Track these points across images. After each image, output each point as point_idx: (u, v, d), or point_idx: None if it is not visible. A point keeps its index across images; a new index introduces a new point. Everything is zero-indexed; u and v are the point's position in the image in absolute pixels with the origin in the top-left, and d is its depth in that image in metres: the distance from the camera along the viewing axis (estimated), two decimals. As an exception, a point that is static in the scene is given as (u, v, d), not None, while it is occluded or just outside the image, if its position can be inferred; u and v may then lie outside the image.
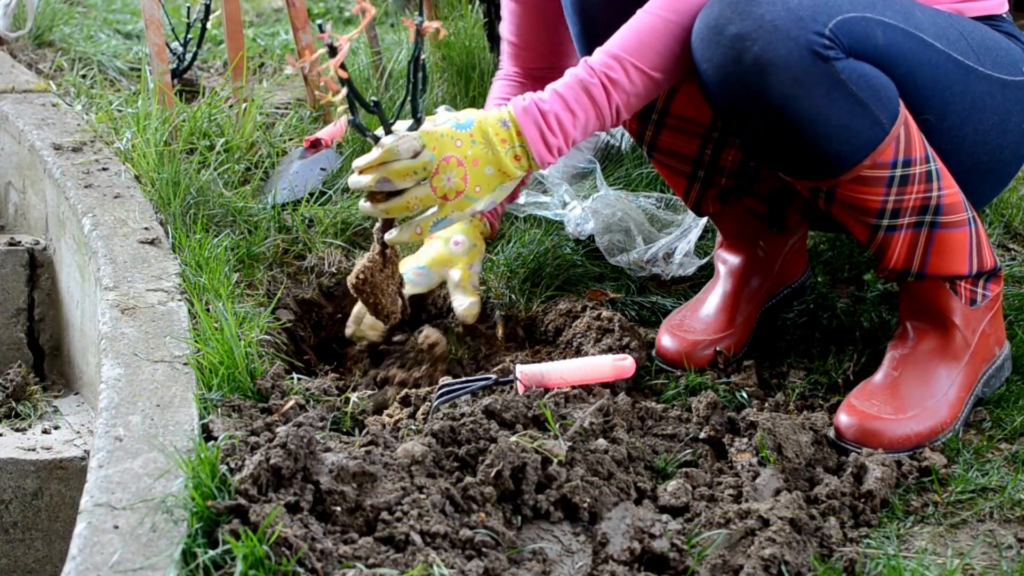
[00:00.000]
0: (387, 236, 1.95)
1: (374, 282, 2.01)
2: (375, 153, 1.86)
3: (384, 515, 1.64)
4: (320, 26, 1.74)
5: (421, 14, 1.79)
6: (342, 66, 1.74)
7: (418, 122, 1.87)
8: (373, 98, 1.81)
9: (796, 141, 1.88)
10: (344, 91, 1.79)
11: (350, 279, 2.04)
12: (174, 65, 3.26)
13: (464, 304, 2.23)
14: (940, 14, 1.99)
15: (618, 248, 2.55)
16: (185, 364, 1.98)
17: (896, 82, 1.89)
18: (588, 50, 2.15)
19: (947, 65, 1.95)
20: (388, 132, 1.87)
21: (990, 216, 2.77)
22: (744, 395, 2.11)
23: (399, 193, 1.88)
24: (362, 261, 2.02)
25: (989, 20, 2.07)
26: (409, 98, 1.87)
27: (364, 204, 1.92)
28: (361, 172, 1.89)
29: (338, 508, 1.65)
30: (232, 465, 1.70)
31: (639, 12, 1.94)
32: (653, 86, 1.94)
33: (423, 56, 1.83)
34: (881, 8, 1.90)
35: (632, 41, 1.92)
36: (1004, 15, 2.10)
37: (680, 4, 1.92)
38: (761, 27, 1.81)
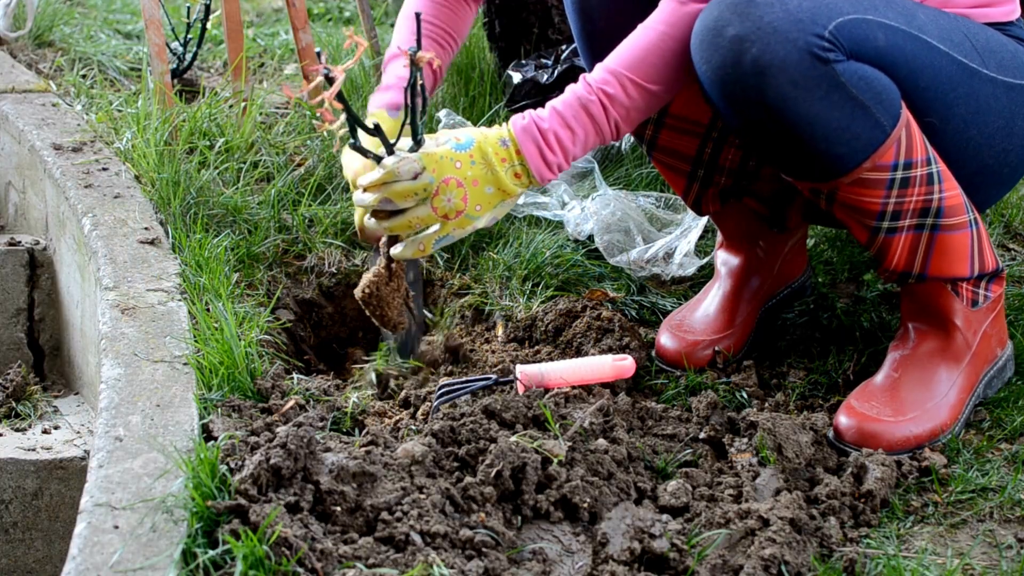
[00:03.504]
0: (392, 251, 1.98)
1: (380, 295, 2.05)
2: (377, 173, 1.88)
3: (384, 515, 1.64)
4: (318, 54, 1.78)
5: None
6: (339, 95, 1.76)
7: (418, 144, 1.90)
8: (373, 121, 1.83)
9: (795, 143, 1.88)
10: (341, 119, 1.82)
11: (357, 292, 2.07)
12: (174, 65, 3.26)
13: None
14: (944, 16, 1.98)
15: (618, 248, 2.55)
16: (185, 364, 1.98)
17: (898, 84, 1.88)
18: (589, 48, 2.15)
19: (951, 67, 1.94)
20: (391, 153, 1.89)
21: (990, 216, 2.77)
22: (744, 395, 2.11)
23: (401, 212, 1.90)
24: (368, 275, 2.05)
25: (997, 27, 2.05)
26: (408, 121, 1.89)
27: (368, 221, 1.94)
28: (365, 191, 1.91)
29: (338, 508, 1.65)
30: (232, 465, 1.70)
31: (639, 27, 1.95)
32: (652, 99, 1.94)
33: (420, 82, 1.86)
34: (883, 10, 1.89)
35: (628, 55, 1.93)
36: (1015, 21, 2.07)
37: (674, 16, 1.92)
38: (760, 29, 1.80)
